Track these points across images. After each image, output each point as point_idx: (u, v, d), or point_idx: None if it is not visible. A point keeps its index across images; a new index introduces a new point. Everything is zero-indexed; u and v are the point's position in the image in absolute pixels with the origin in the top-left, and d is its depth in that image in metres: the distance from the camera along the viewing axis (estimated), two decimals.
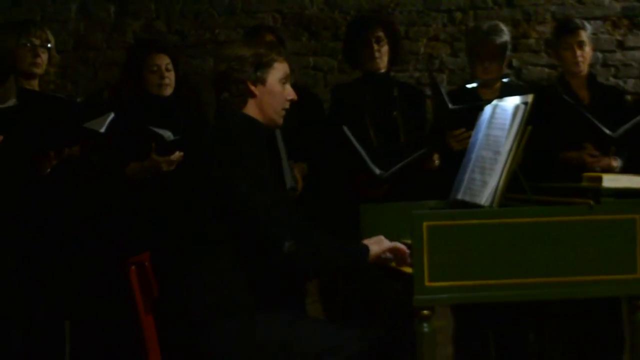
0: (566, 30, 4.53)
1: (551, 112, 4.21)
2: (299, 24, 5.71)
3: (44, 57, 4.19)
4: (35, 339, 4.07)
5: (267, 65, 3.13)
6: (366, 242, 3.17)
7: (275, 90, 3.14)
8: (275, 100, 3.15)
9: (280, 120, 3.21)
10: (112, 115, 4.00)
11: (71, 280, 4.23)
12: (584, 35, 4.51)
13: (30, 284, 4.06)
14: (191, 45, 5.66)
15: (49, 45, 4.22)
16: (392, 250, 3.18)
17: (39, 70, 4.18)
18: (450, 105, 4.21)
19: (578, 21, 4.60)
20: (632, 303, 3.11)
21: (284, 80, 3.17)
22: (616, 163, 4.29)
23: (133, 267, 3.02)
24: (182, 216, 3.14)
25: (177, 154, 4.27)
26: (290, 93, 3.19)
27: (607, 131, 4.15)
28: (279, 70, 3.16)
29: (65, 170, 4.09)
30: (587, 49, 4.53)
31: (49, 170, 4.01)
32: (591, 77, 4.63)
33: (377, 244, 3.16)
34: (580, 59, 4.49)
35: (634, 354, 3.17)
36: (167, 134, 4.25)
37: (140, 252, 3.14)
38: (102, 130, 3.97)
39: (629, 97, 5.33)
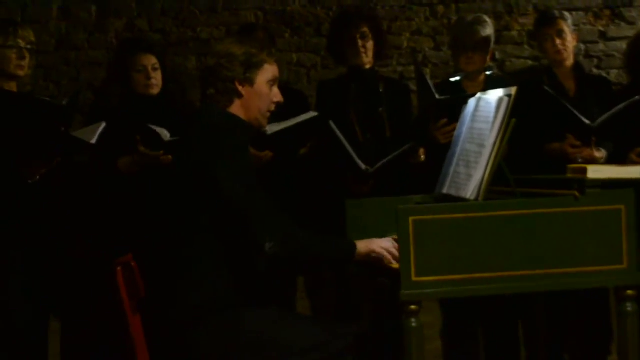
0: (545, 21, 4.55)
1: (534, 104, 4.21)
2: (281, 21, 5.70)
3: (28, 59, 4.17)
4: (19, 340, 4.06)
5: (257, 66, 3.13)
6: (358, 241, 3.16)
7: (262, 91, 3.14)
8: (261, 102, 3.15)
9: (265, 122, 3.21)
10: (103, 125, 3.97)
11: (59, 281, 4.22)
12: (563, 25, 4.51)
13: (16, 285, 4.06)
14: (173, 44, 5.64)
15: (31, 46, 4.19)
16: (378, 256, 3.16)
17: (22, 72, 4.16)
18: (437, 96, 4.21)
19: (557, 12, 4.61)
20: (620, 294, 3.12)
21: (272, 82, 3.17)
22: (600, 154, 4.29)
23: (119, 268, 3.01)
24: (168, 215, 3.13)
25: (168, 157, 4.23)
26: (277, 95, 3.20)
27: (586, 121, 4.16)
28: (268, 71, 3.16)
29: (53, 174, 4.07)
30: (569, 38, 4.52)
31: (37, 177, 3.99)
32: (577, 67, 4.63)
33: (366, 244, 3.15)
34: (560, 47, 4.49)
35: (622, 344, 3.18)
36: (165, 133, 4.22)
37: (127, 253, 3.14)
38: (93, 141, 3.94)
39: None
